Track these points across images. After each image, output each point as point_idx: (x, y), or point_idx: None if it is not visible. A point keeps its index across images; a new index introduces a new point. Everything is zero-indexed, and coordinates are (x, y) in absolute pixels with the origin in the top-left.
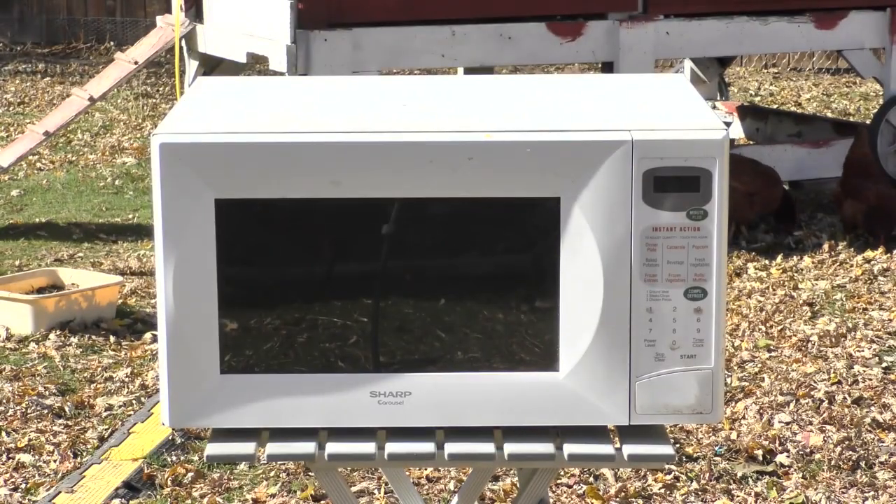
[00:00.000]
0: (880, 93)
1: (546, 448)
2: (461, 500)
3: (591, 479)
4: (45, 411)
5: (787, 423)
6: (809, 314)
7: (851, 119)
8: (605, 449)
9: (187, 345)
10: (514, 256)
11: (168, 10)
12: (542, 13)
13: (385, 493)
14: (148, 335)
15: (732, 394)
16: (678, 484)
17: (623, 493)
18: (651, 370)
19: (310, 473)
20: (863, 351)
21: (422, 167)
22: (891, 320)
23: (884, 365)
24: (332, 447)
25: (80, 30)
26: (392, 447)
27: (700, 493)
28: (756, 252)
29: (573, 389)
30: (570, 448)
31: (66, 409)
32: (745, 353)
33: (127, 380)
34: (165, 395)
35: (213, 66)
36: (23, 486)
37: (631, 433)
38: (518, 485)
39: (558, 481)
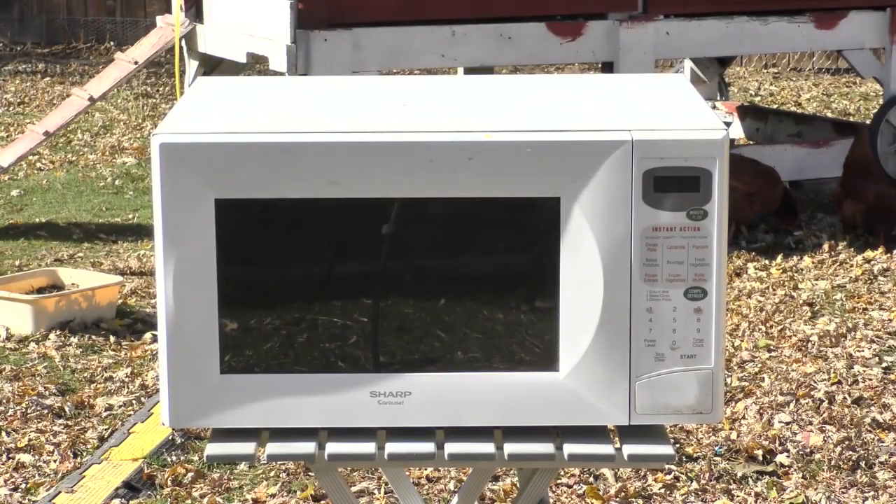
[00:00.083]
0: (880, 93)
1: (546, 448)
2: (461, 500)
3: (591, 479)
4: (45, 411)
5: (787, 423)
6: (809, 314)
7: (851, 119)
8: (605, 449)
9: (187, 345)
10: (514, 256)
11: (168, 10)
12: (542, 13)
13: (385, 493)
14: (148, 335)
15: (732, 394)
16: (678, 484)
17: (623, 493)
18: (651, 370)
19: (310, 473)
20: (863, 351)
21: (422, 167)
22: (891, 320)
23: (884, 365)
24: (332, 447)
25: (80, 30)
26: (392, 447)
27: (700, 493)
28: (756, 252)
29: (573, 389)
30: (570, 448)
31: (66, 409)
32: (745, 353)
33: (127, 380)
34: (165, 395)
35: (213, 66)
36: (23, 486)
37: (631, 433)
38: (518, 485)
39: (558, 481)
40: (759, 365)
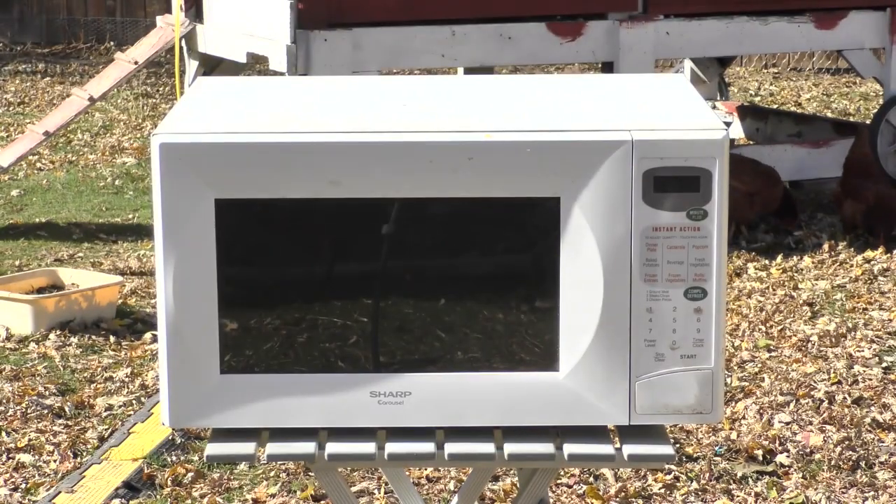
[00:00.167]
0: (880, 93)
1: (546, 448)
2: (461, 500)
3: (591, 479)
4: (45, 411)
5: (787, 423)
6: (809, 314)
7: (851, 119)
8: (605, 449)
9: (187, 345)
10: (514, 256)
11: (168, 10)
12: (542, 13)
13: (385, 493)
14: (148, 335)
15: (732, 394)
16: (678, 484)
17: (623, 493)
18: (651, 370)
19: (310, 473)
20: (863, 351)
21: (422, 167)
22: (891, 320)
23: (884, 365)
24: (332, 447)
25: (80, 30)
26: (392, 447)
27: (700, 493)
28: (756, 252)
29: (573, 389)
30: (570, 448)
31: (66, 409)
32: (745, 353)
33: (127, 380)
34: (165, 395)
35: (213, 66)
36: (23, 486)
37: (631, 433)
38: (518, 485)
39: (558, 481)
40: (759, 365)
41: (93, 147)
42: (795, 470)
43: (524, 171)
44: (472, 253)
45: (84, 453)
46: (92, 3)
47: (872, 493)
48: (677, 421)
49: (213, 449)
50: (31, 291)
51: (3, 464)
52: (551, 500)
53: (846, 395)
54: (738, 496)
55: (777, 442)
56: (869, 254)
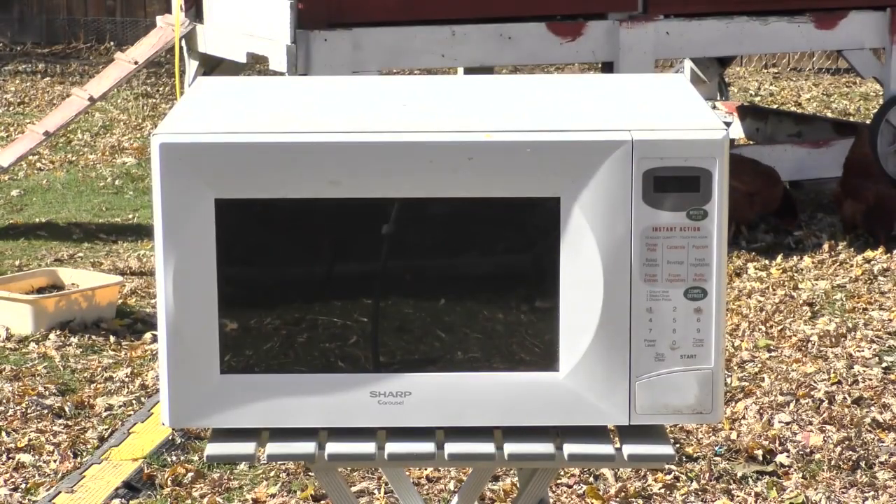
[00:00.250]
0: (880, 93)
1: (546, 448)
2: (461, 500)
3: (591, 479)
4: (45, 411)
5: (787, 423)
6: (809, 314)
7: (851, 119)
8: (605, 449)
9: (187, 345)
10: (514, 256)
11: (168, 10)
12: (542, 13)
13: (385, 493)
14: (148, 335)
15: (732, 394)
16: (678, 484)
17: (623, 493)
18: (651, 370)
19: (310, 473)
20: (863, 351)
21: (422, 167)
22: (891, 320)
23: (884, 365)
24: (332, 447)
25: (80, 30)
26: (392, 447)
27: (700, 493)
28: (756, 252)
29: (573, 389)
30: (570, 448)
31: (66, 409)
32: (745, 353)
33: (127, 380)
34: (165, 395)
35: (213, 66)
36: (23, 486)
37: (631, 433)
38: (518, 485)
39: (558, 481)
40: (759, 365)
41: (93, 147)
42: (795, 470)
43: (524, 171)
44: (472, 253)
45: (84, 453)
46: (92, 3)
47: (872, 493)
48: (677, 421)
49: (213, 449)
50: (31, 291)
51: (3, 464)
52: (551, 500)
53: (846, 395)
54: (738, 496)
55: (777, 442)
56: (869, 254)
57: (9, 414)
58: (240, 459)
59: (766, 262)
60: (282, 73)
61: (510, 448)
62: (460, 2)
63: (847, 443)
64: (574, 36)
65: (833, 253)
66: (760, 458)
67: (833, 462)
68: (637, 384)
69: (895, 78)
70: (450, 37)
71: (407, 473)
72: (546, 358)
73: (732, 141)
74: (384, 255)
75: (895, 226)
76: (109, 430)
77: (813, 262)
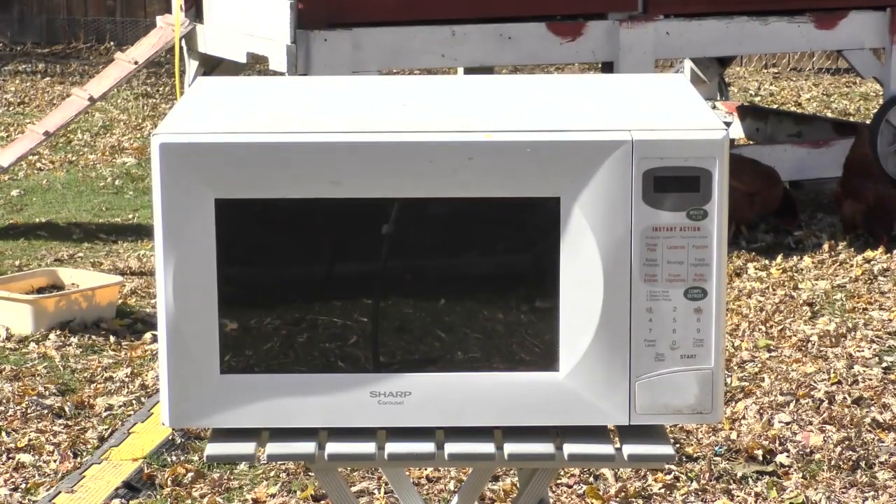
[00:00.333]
0: (880, 93)
1: (546, 448)
2: (461, 500)
3: (591, 479)
4: (45, 411)
5: (787, 423)
6: (809, 314)
7: (851, 119)
8: (605, 449)
9: (187, 345)
10: (514, 256)
11: (168, 10)
12: (542, 13)
13: (385, 493)
14: (148, 335)
15: (732, 394)
16: (678, 484)
17: (623, 493)
18: (651, 370)
19: (310, 473)
20: (863, 351)
21: (422, 167)
22: (891, 320)
23: (884, 365)
24: (332, 447)
25: (80, 30)
26: (392, 447)
27: (700, 493)
28: (756, 252)
29: (573, 389)
30: (570, 448)
31: (66, 409)
32: (745, 353)
33: (127, 380)
34: (165, 395)
35: (213, 66)
36: (23, 486)
37: (631, 433)
38: (518, 485)
39: (558, 481)
40: (759, 365)
41: (93, 147)
42: (795, 470)
43: (524, 171)
44: (472, 253)
45: (84, 453)
46: (92, 3)
47: (872, 493)
48: (677, 421)
49: (213, 449)
50: (31, 291)
51: (3, 464)
52: (551, 500)
53: (846, 395)
54: (738, 496)
55: (777, 442)
56: (869, 254)
57: (9, 414)
58: (240, 459)
59: (766, 262)
60: (282, 73)
61: (510, 448)
62: (460, 2)
63: (847, 443)
64: (574, 36)
65: (833, 253)
66: (760, 458)
67: (833, 462)
68: (637, 384)
69: (895, 78)
70: (450, 37)
71: (407, 473)
72: (546, 358)
73: (732, 141)
74: (384, 255)
75: (895, 226)
76: (109, 430)
77: (813, 262)
